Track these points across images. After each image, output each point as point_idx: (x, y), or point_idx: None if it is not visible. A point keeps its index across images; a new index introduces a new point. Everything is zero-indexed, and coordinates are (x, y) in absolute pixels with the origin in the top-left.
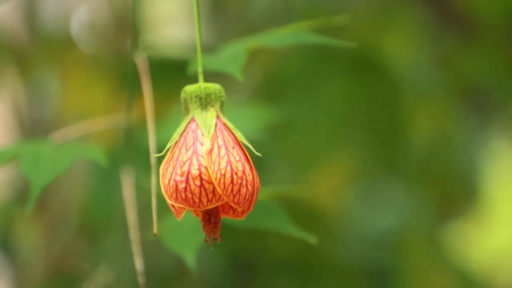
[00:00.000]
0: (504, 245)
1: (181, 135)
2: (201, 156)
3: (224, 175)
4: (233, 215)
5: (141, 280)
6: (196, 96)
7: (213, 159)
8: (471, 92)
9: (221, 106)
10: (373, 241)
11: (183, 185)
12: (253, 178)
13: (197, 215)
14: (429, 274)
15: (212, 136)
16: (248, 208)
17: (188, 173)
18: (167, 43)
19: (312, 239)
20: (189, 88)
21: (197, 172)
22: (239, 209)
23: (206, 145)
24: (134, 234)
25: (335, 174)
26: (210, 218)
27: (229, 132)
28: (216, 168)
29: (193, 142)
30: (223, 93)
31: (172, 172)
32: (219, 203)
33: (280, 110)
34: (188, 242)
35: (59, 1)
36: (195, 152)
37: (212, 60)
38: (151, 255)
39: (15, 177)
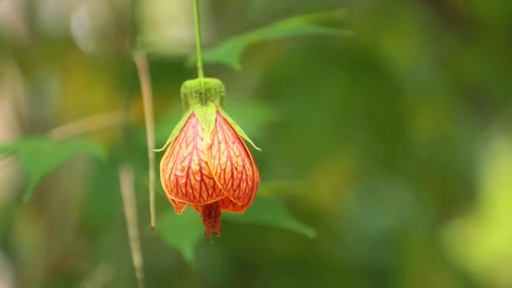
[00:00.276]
0: (504, 245)
1: (181, 130)
2: (201, 151)
3: (224, 170)
4: (233, 209)
5: (139, 275)
6: (196, 91)
7: (213, 154)
8: (471, 92)
9: (221, 101)
10: (373, 241)
11: (183, 180)
12: (253, 173)
13: (197, 209)
14: (429, 274)
15: (212, 131)
16: (248, 203)
17: (189, 168)
18: (167, 43)
19: (310, 233)
20: (189, 83)
21: (197, 167)
22: (239, 204)
23: (206, 140)
24: (132, 231)
25: (335, 173)
26: (210, 212)
27: (229, 127)
28: (216, 163)
29: (193, 137)
30: (223, 88)
31: (172, 167)
32: (219, 198)
33: (281, 110)
34: (186, 237)
35: (59, 1)
36: (195, 147)
37: (211, 54)
38: (151, 255)
39: (15, 177)
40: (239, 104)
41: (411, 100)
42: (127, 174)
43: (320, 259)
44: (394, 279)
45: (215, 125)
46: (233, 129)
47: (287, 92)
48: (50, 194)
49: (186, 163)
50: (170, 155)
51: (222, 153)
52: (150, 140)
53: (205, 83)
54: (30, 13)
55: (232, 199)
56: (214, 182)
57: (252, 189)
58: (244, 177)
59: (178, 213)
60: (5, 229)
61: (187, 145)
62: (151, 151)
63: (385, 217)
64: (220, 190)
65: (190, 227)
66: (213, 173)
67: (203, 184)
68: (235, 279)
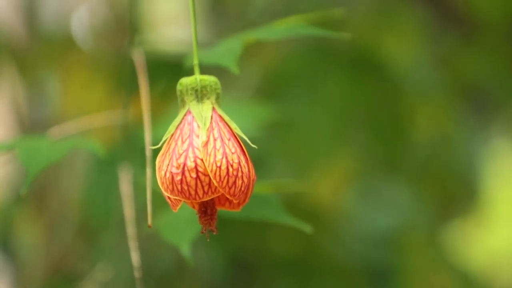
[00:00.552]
0: (504, 245)
1: (177, 128)
2: (197, 149)
3: (220, 167)
4: (229, 207)
5: (137, 274)
6: (192, 88)
7: (208, 151)
8: (471, 92)
9: (217, 98)
10: (373, 241)
11: (179, 177)
12: (249, 170)
13: (193, 207)
14: (429, 274)
15: (208, 128)
16: (244, 200)
17: (184, 165)
18: (166, 42)
19: (307, 229)
20: (185, 81)
21: (193, 165)
22: (235, 201)
23: (201, 138)
24: (131, 230)
25: (335, 173)
26: (206, 210)
27: (225, 124)
28: (211, 160)
29: (189, 135)
30: (219, 85)
31: (168, 165)
32: (215, 195)
33: (280, 109)
34: (184, 235)
35: (59, 1)
36: (191, 144)
37: (208, 54)
38: (151, 255)
39: (15, 177)
40: (239, 104)
41: (411, 100)
42: (126, 173)
43: (320, 259)
44: (394, 279)
45: (211, 122)
46: (229, 126)
47: (286, 92)
48: (50, 194)
49: (181, 160)
50: (166, 152)
51: (218, 150)
52: (148, 138)
53: (201, 80)
54: (30, 13)
55: (227, 196)
56: (210, 179)
57: (248, 187)
58: (239, 174)
59: (174, 210)
60: (5, 229)
61: (182, 142)
62: (149, 149)
63: (385, 217)
64: (216, 187)
65: (187, 224)
66: (209, 170)
67: (198, 181)
68: (235, 279)
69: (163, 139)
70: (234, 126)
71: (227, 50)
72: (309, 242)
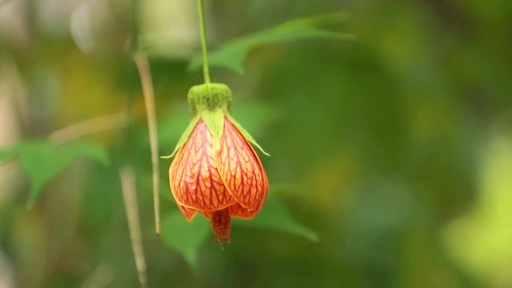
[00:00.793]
0: (504, 245)
1: (189, 137)
2: (211, 158)
3: (235, 176)
4: (242, 215)
5: (142, 279)
6: (204, 96)
7: (223, 160)
8: (471, 92)
9: (228, 107)
10: (373, 240)
11: (193, 187)
12: (262, 179)
13: (207, 216)
14: (429, 274)
15: (221, 137)
16: (257, 208)
17: (199, 174)
18: (167, 43)
19: (312, 236)
20: (196, 89)
21: (207, 174)
22: (249, 210)
23: (215, 147)
24: (135, 234)
25: (336, 173)
26: (221, 219)
27: (237, 133)
28: (226, 169)
29: (202, 144)
30: (230, 93)
31: (182, 174)
32: (230, 204)
33: (281, 109)
34: (189, 241)
35: (59, 1)
36: (204, 153)
37: (213, 57)
38: (152, 255)
39: (15, 177)
40: (239, 104)
41: (411, 100)
42: (128, 176)
43: (320, 259)
44: (394, 279)
45: (224, 131)
46: (241, 134)
47: (287, 92)
48: (50, 194)
49: (195, 169)
50: (179, 162)
51: (232, 159)
52: (153, 144)
53: (212, 88)
54: (30, 13)
55: (242, 205)
56: (224, 188)
57: (262, 195)
58: (254, 183)
59: (188, 220)
60: (5, 229)
61: (196, 152)
62: (155, 155)
63: (385, 216)
64: (231, 196)
65: (192, 230)
66: (223, 179)
67: (213, 191)
68: (235, 279)
69: (176, 148)
70: (246, 134)
71: (232, 53)
72: (309, 242)
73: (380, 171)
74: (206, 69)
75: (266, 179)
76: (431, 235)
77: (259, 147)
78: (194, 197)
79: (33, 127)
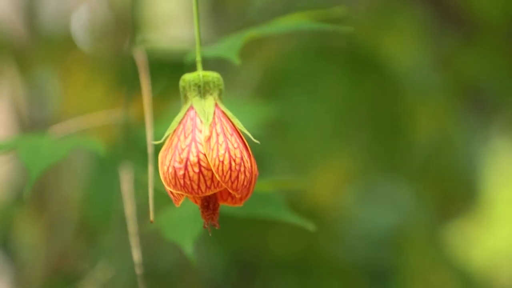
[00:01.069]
0: (504, 245)
1: (180, 123)
2: (200, 143)
3: (223, 161)
4: (232, 202)
5: (138, 271)
6: (195, 84)
7: (211, 146)
8: (471, 92)
9: (220, 94)
10: (373, 240)
11: (181, 172)
12: (251, 165)
13: (196, 202)
14: (429, 274)
15: (211, 123)
16: (247, 195)
17: (187, 160)
18: (166, 42)
19: (309, 227)
20: (188, 77)
21: (195, 159)
22: (237, 196)
23: (204, 132)
24: (132, 227)
25: (336, 173)
26: (209, 204)
27: (227, 120)
28: (214, 155)
29: (192, 130)
30: (221, 81)
31: (171, 159)
32: (218, 190)
33: (280, 108)
34: (186, 233)
35: (59, 1)
36: (193, 139)
37: (210, 50)
38: (152, 254)
39: (15, 177)
40: (239, 102)
41: (411, 100)
42: (126, 172)
43: (320, 259)
44: (394, 279)
45: (214, 118)
46: (231, 121)
47: (286, 91)
48: (50, 194)
49: (184, 155)
50: (169, 148)
51: (221, 145)
52: (149, 137)
53: (203, 76)
54: (30, 13)
55: (230, 191)
56: (213, 174)
57: (251, 181)
58: (242, 169)
59: (176, 205)
60: (5, 229)
61: (185, 137)
62: (150, 146)
63: (385, 216)
64: (219, 182)
65: (190, 223)
66: (211, 164)
67: (201, 176)
68: (236, 278)
69: (166, 134)
70: (236, 121)
71: (229, 46)
72: (309, 242)
73: (380, 171)
74: (198, 58)
75: (255, 166)
76: (431, 235)
77: (249, 134)
78: (182, 182)
79: (33, 127)
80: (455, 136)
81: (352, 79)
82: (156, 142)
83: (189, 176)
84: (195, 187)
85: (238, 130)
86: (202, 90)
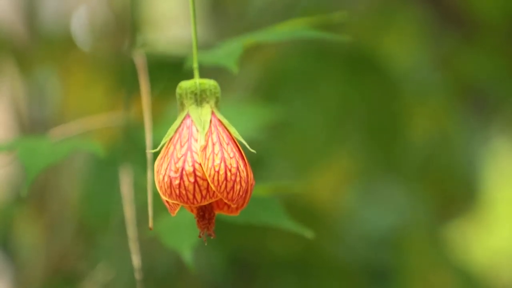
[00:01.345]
0: (504, 245)
1: (176, 131)
2: (195, 153)
3: (218, 171)
4: (228, 211)
5: (137, 276)
6: (191, 92)
7: (207, 156)
8: (471, 92)
9: (216, 103)
10: (373, 240)
11: (177, 182)
12: (247, 175)
13: (192, 211)
14: (429, 274)
15: (207, 132)
16: (242, 205)
17: (182, 169)
18: (166, 43)
19: (308, 234)
20: (184, 84)
21: (191, 169)
22: (233, 206)
23: (200, 142)
24: (131, 231)
25: (335, 173)
26: (204, 214)
27: (224, 129)
28: (210, 164)
29: (188, 139)
30: (218, 89)
31: (166, 168)
32: (213, 200)
33: (279, 110)
34: (185, 240)
35: (59, 1)
36: (189, 148)
37: (208, 56)
38: (151, 255)
39: (15, 177)
40: (237, 104)
41: (410, 100)
42: (126, 174)
43: (320, 259)
44: (394, 279)
45: (210, 127)
46: (228, 130)
47: (285, 92)
48: (50, 194)
49: (180, 164)
50: (165, 156)
51: (216, 154)
52: (148, 140)
53: (200, 84)
54: (30, 13)
55: (226, 201)
56: (208, 183)
57: (246, 191)
58: (238, 179)
59: (172, 215)
60: (5, 229)
61: (181, 146)
62: (149, 150)
63: (385, 216)
64: (214, 192)
65: (188, 229)
66: (207, 174)
67: (196, 186)
68: (235, 279)
69: (162, 142)
70: (233, 130)
71: (228, 52)
72: (309, 242)
73: (380, 171)
74: (195, 65)
75: (251, 176)
76: (431, 235)
77: (246, 143)
78: (177, 191)
79: (33, 127)
80: (455, 136)
81: (351, 80)
82: (154, 151)
83: (185, 186)
84: (191, 197)
85: (235, 139)
86: (199, 98)
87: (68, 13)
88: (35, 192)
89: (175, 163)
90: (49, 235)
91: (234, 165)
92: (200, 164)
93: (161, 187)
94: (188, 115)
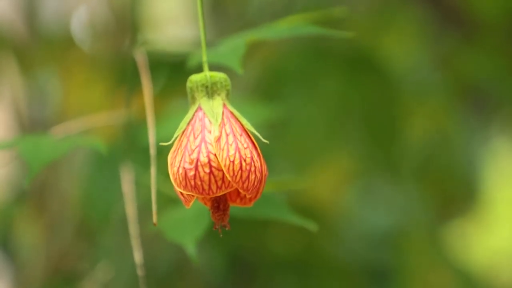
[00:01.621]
0: (504, 245)
1: (188, 124)
2: (210, 144)
3: (233, 161)
4: (241, 203)
5: (140, 272)
6: (202, 85)
7: (221, 146)
8: (471, 92)
9: (227, 95)
10: (373, 240)
11: (192, 173)
12: (261, 165)
13: (205, 203)
14: (429, 274)
15: (220, 123)
16: (256, 195)
17: (197, 160)
18: (166, 42)
19: (311, 226)
20: (195, 77)
21: (206, 159)
22: (247, 196)
23: (214, 133)
24: (133, 228)
25: (334, 173)
26: (219, 205)
27: (236, 120)
28: (225, 155)
29: (201, 130)
30: (228, 81)
31: (180, 160)
32: (228, 190)
33: (279, 109)
34: (189, 233)
35: (59, 1)
36: (203, 140)
37: (211, 54)
38: (151, 256)
39: (15, 177)
40: (238, 102)
41: (409, 100)
42: (127, 172)
43: (320, 259)
44: (394, 279)
45: (222, 118)
46: (239, 122)
47: (285, 91)
48: (50, 194)
49: (194, 155)
50: (178, 149)
51: (231, 145)
52: (151, 137)
53: (211, 76)
54: (30, 12)
55: (241, 191)
56: (223, 174)
57: (261, 181)
58: (252, 168)
59: (186, 207)
60: (5, 229)
61: (195, 138)
62: (152, 147)
63: (384, 216)
64: (229, 182)
65: (192, 223)
66: (222, 164)
67: (212, 176)
68: (235, 278)
69: (175, 135)
70: (245, 122)
71: (230, 50)
72: (309, 242)
73: (380, 171)
74: (205, 58)
75: (265, 166)
76: (431, 235)
77: (258, 134)
78: (192, 183)
79: (33, 127)
80: (455, 136)
81: (350, 80)
82: (162, 144)
83: (200, 177)
84: (206, 187)
85: (247, 130)
86: (210, 90)
87: (68, 13)
88: (35, 192)
89: (189, 155)
90: (49, 234)
91: (249, 155)
92: (215, 155)
93: (175, 179)
94: (199, 108)
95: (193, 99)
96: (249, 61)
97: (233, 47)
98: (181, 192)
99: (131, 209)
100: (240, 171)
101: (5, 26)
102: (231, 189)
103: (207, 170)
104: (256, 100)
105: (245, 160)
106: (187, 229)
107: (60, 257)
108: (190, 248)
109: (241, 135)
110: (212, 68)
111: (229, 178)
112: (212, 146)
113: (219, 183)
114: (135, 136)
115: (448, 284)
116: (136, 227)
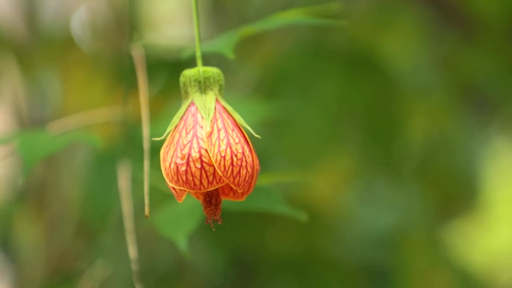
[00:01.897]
0: (504, 245)
1: (181, 119)
2: (201, 139)
3: (224, 157)
4: (233, 197)
5: (134, 267)
6: (195, 80)
7: (213, 142)
8: (471, 92)
9: (220, 90)
10: (373, 240)
11: (183, 168)
12: (253, 160)
13: (198, 197)
14: (428, 274)
15: (212, 119)
16: (248, 190)
17: (189, 155)
18: (165, 41)
19: (303, 217)
20: (188, 72)
21: (197, 155)
22: (239, 191)
23: (206, 128)
24: (128, 223)
25: (334, 173)
26: (211, 200)
27: (228, 115)
28: (216, 150)
29: (193, 125)
30: (221, 76)
31: (172, 155)
32: (220, 185)
33: (278, 107)
34: (181, 228)
35: (59, 1)
36: (195, 135)
37: (206, 46)
38: (151, 255)
39: (15, 177)
40: (237, 102)
41: (409, 100)
42: (124, 169)
43: (320, 259)
44: (393, 279)
45: (215, 113)
46: (232, 117)
47: (284, 90)
48: (50, 194)
49: (186, 151)
50: (170, 144)
51: (222, 140)
52: (146, 133)
53: (204, 71)
54: (30, 12)
55: (232, 186)
56: (214, 169)
57: (252, 176)
58: (244, 164)
59: (179, 201)
60: (5, 229)
61: (187, 133)
62: (146, 142)
63: (384, 216)
64: (220, 177)
65: (184, 218)
66: (213, 160)
67: (203, 172)
68: (235, 278)
69: (167, 130)
70: (237, 117)
71: (224, 42)
72: (309, 241)
73: (380, 171)
74: (198, 53)
75: (256, 161)
76: (431, 235)
77: (250, 129)
78: (184, 178)
79: (33, 126)
80: (455, 136)
81: (350, 79)
82: (156, 139)
83: (191, 172)
84: (197, 182)
85: (239, 125)
86: (203, 85)
87: (68, 13)
88: (35, 191)
89: (181, 150)
90: (49, 234)
91: (240, 150)
92: (206, 150)
93: (167, 174)
94: (192, 103)
95: (186, 94)
96: (249, 60)
97: (227, 39)
98: (173, 187)
99: (127, 206)
100: (231, 167)
101: (5, 26)
102: (223, 184)
103: (198, 165)
104: (255, 100)
105: (236, 156)
106: (180, 224)
107: (59, 256)
108: (181, 242)
109: (233, 130)
110: (211, 64)
111: (220, 174)
112: (204, 141)
113: (211, 178)
114: (132, 133)
115: (448, 284)
116: (132, 222)
